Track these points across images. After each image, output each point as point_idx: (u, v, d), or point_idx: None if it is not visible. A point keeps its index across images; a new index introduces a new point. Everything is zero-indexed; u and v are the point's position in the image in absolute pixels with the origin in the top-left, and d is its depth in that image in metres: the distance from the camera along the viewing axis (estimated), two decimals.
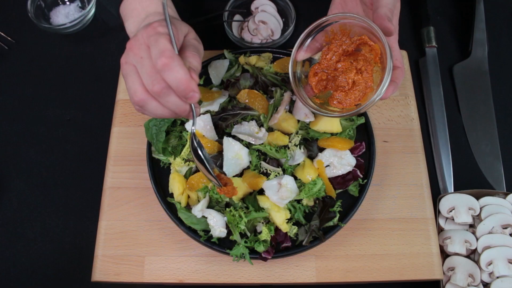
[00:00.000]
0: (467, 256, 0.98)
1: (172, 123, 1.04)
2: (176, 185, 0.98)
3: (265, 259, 0.93)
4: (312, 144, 1.03)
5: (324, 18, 0.83)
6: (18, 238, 1.07)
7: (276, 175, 0.98)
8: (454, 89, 1.21)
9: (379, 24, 0.77)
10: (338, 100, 0.86)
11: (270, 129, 1.04)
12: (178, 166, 1.01)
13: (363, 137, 1.07)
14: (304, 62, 0.89)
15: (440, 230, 1.03)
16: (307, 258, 0.97)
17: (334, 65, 0.86)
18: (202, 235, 0.96)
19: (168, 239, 1.00)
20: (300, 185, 0.97)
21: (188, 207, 0.98)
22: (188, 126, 1.02)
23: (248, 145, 1.00)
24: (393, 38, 0.83)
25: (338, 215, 0.96)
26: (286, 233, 0.95)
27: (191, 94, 0.70)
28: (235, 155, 0.97)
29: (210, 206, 0.98)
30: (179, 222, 0.97)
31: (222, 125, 1.04)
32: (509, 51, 1.27)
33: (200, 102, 1.09)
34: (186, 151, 1.02)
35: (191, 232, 0.96)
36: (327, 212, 0.95)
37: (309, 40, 0.86)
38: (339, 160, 0.99)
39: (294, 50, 0.86)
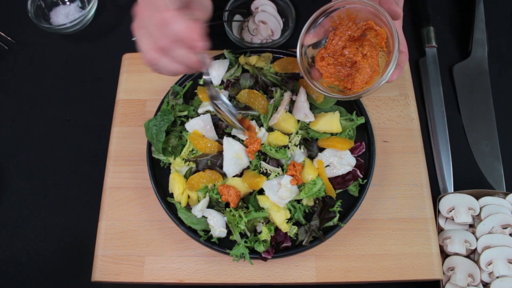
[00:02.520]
0: (467, 256, 0.98)
1: (172, 123, 1.04)
2: (176, 185, 0.98)
3: (265, 259, 0.93)
4: (312, 144, 1.03)
5: (331, 3, 0.84)
6: (18, 238, 1.07)
7: (276, 175, 0.98)
8: (454, 89, 1.21)
9: (387, 8, 0.78)
10: (345, 84, 0.87)
11: (270, 129, 1.04)
12: (178, 166, 1.01)
13: (363, 137, 1.07)
14: (310, 46, 0.91)
15: (440, 230, 1.03)
16: (307, 258, 0.97)
17: (340, 50, 0.88)
18: (202, 235, 0.96)
19: (168, 239, 1.00)
20: (300, 185, 0.97)
21: (188, 207, 0.98)
22: (188, 126, 1.02)
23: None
24: (397, 24, 0.84)
25: (338, 215, 0.96)
26: (286, 233, 0.95)
27: (195, 43, 0.73)
28: (235, 155, 0.97)
29: (210, 206, 0.98)
30: (179, 222, 0.97)
31: (222, 125, 1.04)
32: (509, 51, 1.27)
33: (200, 103, 1.09)
34: (186, 151, 1.02)
35: (191, 232, 0.96)
36: (327, 212, 0.95)
37: (315, 25, 0.87)
38: (339, 160, 0.99)
39: (301, 34, 0.88)
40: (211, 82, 0.89)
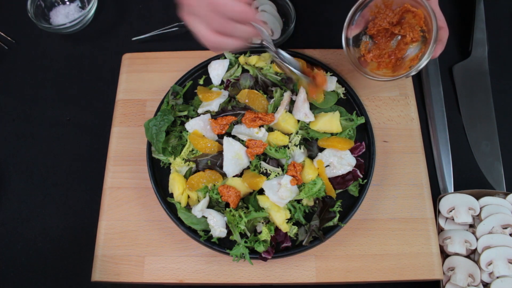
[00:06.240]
0: (467, 256, 0.98)
1: (172, 123, 1.04)
2: (176, 185, 0.98)
3: (265, 259, 0.93)
4: (312, 144, 1.03)
5: None
6: (18, 238, 1.07)
7: (276, 175, 0.98)
8: (454, 89, 1.21)
9: None
10: (390, 66, 0.95)
11: (270, 129, 1.04)
12: (178, 166, 1.01)
13: (363, 137, 1.07)
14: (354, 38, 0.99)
15: (440, 230, 1.03)
16: (307, 258, 0.97)
17: (382, 38, 0.96)
18: (202, 235, 0.96)
19: (168, 239, 1.00)
20: (300, 185, 0.97)
21: (188, 207, 0.98)
22: (189, 126, 1.02)
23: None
24: (433, 2, 0.89)
25: (338, 215, 0.96)
26: (286, 233, 0.95)
27: (249, 15, 0.77)
28: (235, 155, 0.97)
29: (210, 206, 0.98)
30: (179, 222, 0.97)
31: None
32: (509, 51, 1.27)
33: (200, 103, 1.09)
34: (186, 151, 1.02)
35: (191, 232, 0.96)
36: (327, 212, 0.95)
37: (356, 17, 0.94)
38: (339, 160, 0.99)
39: (344, 28, 0.95)
40: (269, 43, 0.91)
